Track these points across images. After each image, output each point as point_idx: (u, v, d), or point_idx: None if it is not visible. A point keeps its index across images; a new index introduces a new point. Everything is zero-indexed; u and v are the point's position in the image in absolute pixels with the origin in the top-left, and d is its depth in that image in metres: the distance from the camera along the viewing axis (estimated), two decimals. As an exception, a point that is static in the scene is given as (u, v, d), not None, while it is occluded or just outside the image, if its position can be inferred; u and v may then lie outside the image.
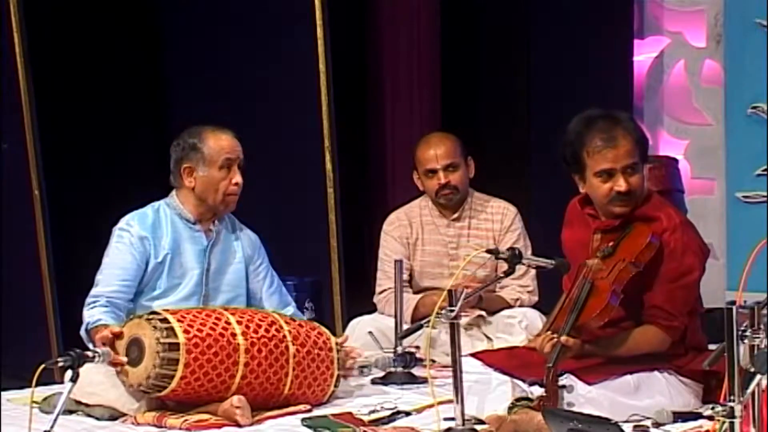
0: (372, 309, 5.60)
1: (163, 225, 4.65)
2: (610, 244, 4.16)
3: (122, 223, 4.65)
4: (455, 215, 5.53)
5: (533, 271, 5.41)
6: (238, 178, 4.63)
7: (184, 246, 4.66)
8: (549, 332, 4.12)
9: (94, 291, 4.54)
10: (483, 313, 5.39)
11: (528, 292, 5.44)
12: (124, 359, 4.17)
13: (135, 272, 4.58)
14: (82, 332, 4.48)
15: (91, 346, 4.31)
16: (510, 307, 5.43)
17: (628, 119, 4.26)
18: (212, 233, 4.70)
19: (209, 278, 4.69)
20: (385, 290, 5.50)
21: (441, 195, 5.47)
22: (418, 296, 5.45)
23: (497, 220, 5.53)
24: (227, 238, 4.76)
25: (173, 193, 4.71)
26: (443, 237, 5.53)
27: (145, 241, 4.60)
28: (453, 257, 5.48)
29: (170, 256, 4.62)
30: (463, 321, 4.96)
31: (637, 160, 4.17)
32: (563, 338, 3.96)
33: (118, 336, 4.23)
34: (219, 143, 4.62)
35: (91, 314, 4.46)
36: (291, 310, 4.80)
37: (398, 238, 5.56)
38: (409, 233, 5.56)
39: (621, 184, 4.14)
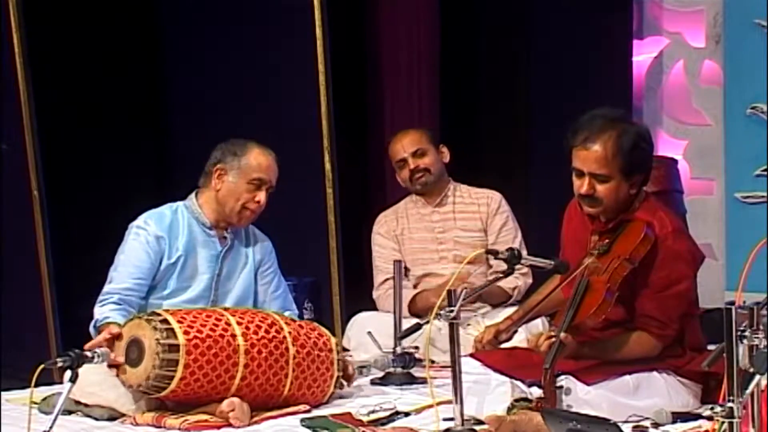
0: (370, 309, 5.62)
1: (180, 226, 4.67)
2: (606, 241, 4.16)
3: (140, 221, 4.66)
4: (437, 201, 5.68)
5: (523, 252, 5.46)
6: (261, 197, 4.67)
7: (198, 250, 4.68)
8: (547, 332, 4.13)
9: (107, 288, 4.56)
10: (482, 313, 5.44)
11: (522, 274, 5.49)
12: (121, 359, 4.17)
13: (149, 271, 4.59)
14: (91, 328, 4.49)
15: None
16: (509, 296, 5.51)
17: (623, 131, 4.12)
18: (226, 240, 4.72)
19: (219, 284, 4.71)
20: (382, 283, 5.62)
21: (415, 180, 5.64)
22: (415, 291, 5.50)
23: (483, 203, 5.68)
24: (240, 244, 4.78)
25: (193, 195, 4.73)
26: (429, 224, 5.67)
27: (161, 241, 4.61)
28: (441, 241, 5.64)
29: (183, 258, 4.64)
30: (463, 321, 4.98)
31: (609, 171, 4.09)
32: (562, 335, 3.97)
33: (117, 338, 4.23)
34: (258, 159, 4.68)
35: (101, 311, 4.48)
36: (288, 314, 4.79)
37: (385, 233, 5.72)
38: (395, 226, 5.72)
39: (582, 187, 4.13)
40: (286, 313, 4.76)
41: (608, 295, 4.04)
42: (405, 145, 5.63)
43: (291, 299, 4.96)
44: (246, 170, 4.65)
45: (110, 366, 4.18)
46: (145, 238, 4.60)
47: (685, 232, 4.32)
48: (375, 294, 5.69)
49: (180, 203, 4.73)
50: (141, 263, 4.58)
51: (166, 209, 4.70)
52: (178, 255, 4.63)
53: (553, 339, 3.99)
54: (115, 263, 4.62)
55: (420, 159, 5.61)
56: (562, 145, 4.19)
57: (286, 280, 5.02)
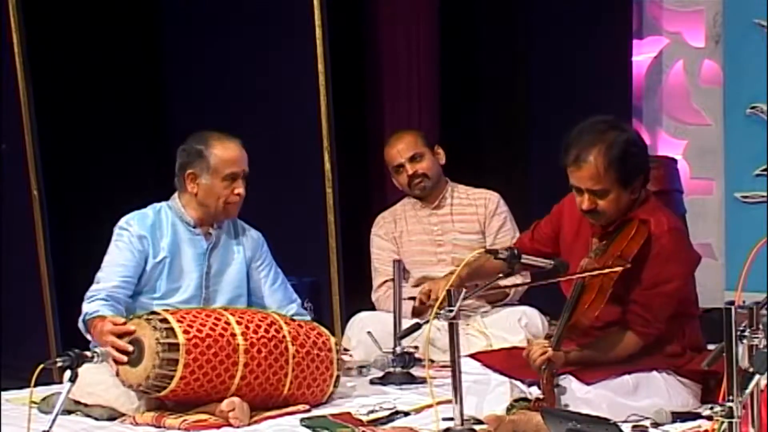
0: (370, 309, 5.62)
1: (163, 226, 4.66)
2: (603, 242, 4.16)
3: (122, 222, 4.66)
4: (435, 203, 5.66)
5: None
6: (240, 189, 4.62)
7: (184, 249, 4.67)
8: (544, 341, 4.15)
9: (94, 287, 4.55)
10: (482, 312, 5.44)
11: (520, 274, 5.47)
12: (123, 358, 4.17)
13: (134, 269, 4.59)
14: (80, 323, 4.49)
15: (88, 337, 4.34)
16: (506, 295, 5.50)
17: (612, 143, 4.08)
18: (212, 237, 4.71)
19: (209, 281, 4.69)
20: (381, 285, 5.60)
21: (414, 186, 5.61)
22: (416, 290, 5.49)
23: (480, 204, 5.66)
24: (228, 240, 4.76)
25: (175, 195, 4.72)
26: (427, 226, 5.65)
27: (144, 240, 4.61)
28: (440, 243, 5.62)
29: (169, 260, 4.63)
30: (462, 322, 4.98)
31: (606, 185, 4.08)
32: (549, 353, 3.98)
33: (119, 326, 4.22)
34: (225, 153, 4.61)
35: (90, 307, 4.47)
36: (294, 307, 4.80)
37: (384, 235, 5.69)
38: (394, 228, 5.70)
39: (583, 204, 4.13)
40: (292, 306, 4.78)
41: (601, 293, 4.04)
42: (401, 150, 5.58)
43: (291, 289, 4.91)
44: (216, 169, 4.60)
45: (116, 359, 4.17)
46: (128, 238, 4.60)
47: (682, 232, 4.29)
48: (374, 296, 5.67)
49: (164, 203, 4.71)
50: (126, 261, 4.58)
51: (148, 210, 4.69)
52: (164, 256, 4.62)
53: (545, 355, 4.00)
54: (102, 265, 4.61)
55: (418, 164, 5.57)
56: (562, 145, 4.19)
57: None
